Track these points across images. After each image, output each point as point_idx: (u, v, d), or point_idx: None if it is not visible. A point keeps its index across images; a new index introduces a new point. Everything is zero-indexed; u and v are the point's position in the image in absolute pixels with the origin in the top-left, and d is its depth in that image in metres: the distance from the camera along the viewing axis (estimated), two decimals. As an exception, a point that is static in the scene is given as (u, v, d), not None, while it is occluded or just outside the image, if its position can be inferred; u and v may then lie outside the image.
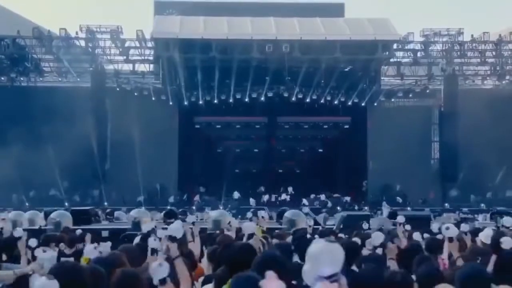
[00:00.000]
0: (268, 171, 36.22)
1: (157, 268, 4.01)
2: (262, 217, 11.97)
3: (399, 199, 31.41)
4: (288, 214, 16.00)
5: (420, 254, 5.77)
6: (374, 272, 4.73)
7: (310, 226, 12.68)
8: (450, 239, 6.31)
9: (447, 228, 6.31)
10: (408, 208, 27.41)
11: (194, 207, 28.96)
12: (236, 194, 31.95)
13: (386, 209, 25.48)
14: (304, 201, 30.02)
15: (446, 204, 30.82)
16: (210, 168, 34.30)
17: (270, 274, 3.06)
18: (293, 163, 37.73)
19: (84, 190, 33.66)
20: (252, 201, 30.40)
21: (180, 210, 25.75)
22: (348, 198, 32.08)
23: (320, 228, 14.05)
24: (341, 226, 14.46)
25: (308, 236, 9.75)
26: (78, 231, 11.63)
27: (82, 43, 33.20)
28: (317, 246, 2.77)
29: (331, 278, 2.62)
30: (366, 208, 28.67)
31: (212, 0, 38.90)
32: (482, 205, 30.49)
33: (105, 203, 30.86)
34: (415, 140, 34.69)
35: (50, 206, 26.16)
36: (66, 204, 30.83)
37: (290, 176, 36.60)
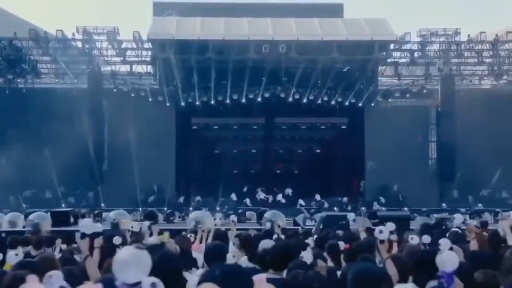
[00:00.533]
0: (266, 172, 36.19)
1: (48, 280, 3.71)
2: (233, 221, 11.94)
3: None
4: (268, 214, 15.91)
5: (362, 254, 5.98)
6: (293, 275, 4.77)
7: (303, 227, 12.69)
8: (381, 241, 6.45)
9: (380, 232, 6.41)
10: (395, 208, 27.33)
11: (191, 208, 28.91)
12: (234, 196, 31.90)
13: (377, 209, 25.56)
14: (301, 201, 30.01)
15: (444, 204, 30.79)
16: (208, 169, 34.28)
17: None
18: (290, 164, 37.69)
19: (81, 191, 33.66)
20: (248, 201, 30.37)
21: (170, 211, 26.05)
22: (345, 199, 32.09)
23: (300, 228, 14.10)
24: (321, 227, 14.45)
25: (275, 236, 9.81)
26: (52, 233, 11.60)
27: (79, 44, 33.16)
28: (124, 252, 2.69)
29: (135, 286, 2.55)
30: (363, 208, 28.62)
31: (212, 1, 38.88)
32: (480, 205, 30.48)
33: (102, 204, 30.83)
34: (413, 140, 34.74)
35: (47, 207, 26.26)
36: (63, 205, 30.92)
37: (287, 176, 36.56)
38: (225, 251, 6.07)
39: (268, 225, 13.66)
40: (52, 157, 30.37)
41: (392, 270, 4.86)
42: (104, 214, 22.96)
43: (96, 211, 25.03)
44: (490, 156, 30.57)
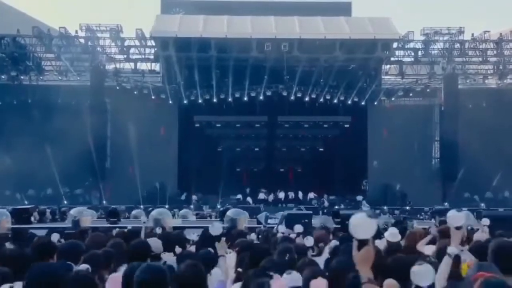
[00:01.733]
0: (269, 170, 36.11)
1: None
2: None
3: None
4: (230, 212, 15.90)
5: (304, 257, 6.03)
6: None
7: (265, 225, 12.87)
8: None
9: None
10: (363, 208, 27.27)
11: (192, 206, 28.93)
12: (239, 195, 31.99)
13: (365, 209, 25.54)
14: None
15: (446, 203, 30.65)
16: (210, 167, 34.24)
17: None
18: (293, 162, 37.58)
19: (83, 188, 33.72)
20: (250, 200, 30.36)
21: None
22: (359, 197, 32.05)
23: (262, 227, 14.09)
24: (283, 225, 14.46)
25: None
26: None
27: (82, 41, 33.20)
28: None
29: None
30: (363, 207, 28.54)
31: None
32: (482, 204, 30.32)
33: (104, 202, 30.90)
34: (416, 139, 34.65)
35: (48, 204, 26.38)
36: (65, 202, 31.03)
37: (290, 175, 36.52)
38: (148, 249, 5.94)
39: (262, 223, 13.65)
40: (55, 154, 30.49)
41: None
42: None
43: (62, 209, 24.74)
44: (494, 155, 30.49)
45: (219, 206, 27.36)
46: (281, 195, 32.63)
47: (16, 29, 32.52)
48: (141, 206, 28.34)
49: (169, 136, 33.34)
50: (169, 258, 6.08)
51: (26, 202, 29.70)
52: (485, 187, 32.90)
